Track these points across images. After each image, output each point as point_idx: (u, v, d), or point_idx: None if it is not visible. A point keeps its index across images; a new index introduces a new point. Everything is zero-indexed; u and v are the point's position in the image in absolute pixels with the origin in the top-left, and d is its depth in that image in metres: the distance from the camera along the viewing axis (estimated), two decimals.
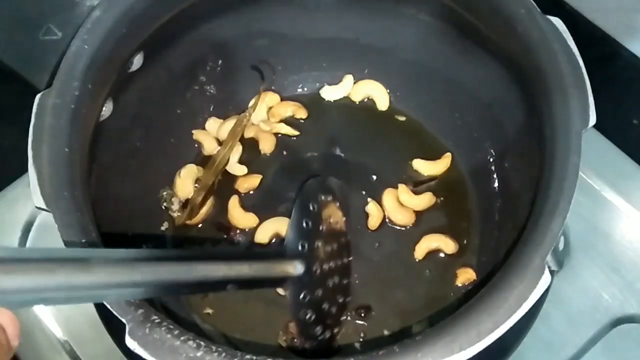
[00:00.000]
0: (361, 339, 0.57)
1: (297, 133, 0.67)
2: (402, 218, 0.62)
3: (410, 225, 0.62)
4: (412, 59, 0.65)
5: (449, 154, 0.65)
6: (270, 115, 0.68)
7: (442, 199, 0.64)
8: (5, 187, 0.69)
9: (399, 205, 0.63)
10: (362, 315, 0.57)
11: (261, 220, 0.62)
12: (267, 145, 0.67)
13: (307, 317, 0.52)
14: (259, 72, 0.66)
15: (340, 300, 0.55)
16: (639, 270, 0.63)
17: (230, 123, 0.66)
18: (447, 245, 0.60)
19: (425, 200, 0.63)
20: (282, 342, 0.56)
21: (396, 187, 0.63)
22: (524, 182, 0.51)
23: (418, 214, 0.63)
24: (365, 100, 0.70)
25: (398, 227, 0.62)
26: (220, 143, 0.66)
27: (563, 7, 0.67)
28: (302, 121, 0.68)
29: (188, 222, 0.62)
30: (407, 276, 0.60)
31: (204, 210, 0.63)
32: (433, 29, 0.60)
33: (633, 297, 0.62)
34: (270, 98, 0.69)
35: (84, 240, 0.41)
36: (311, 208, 0.55)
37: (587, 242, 0.65)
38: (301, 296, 0.51)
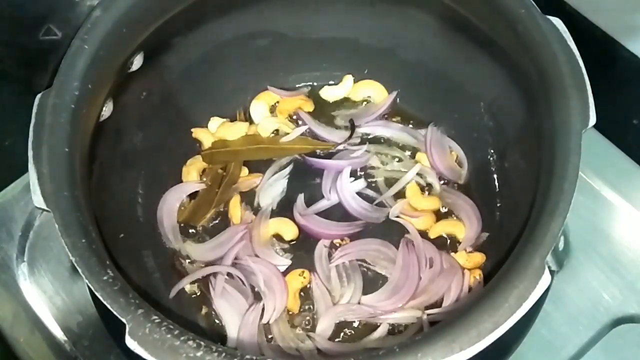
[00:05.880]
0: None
1: (293, 126, 0.67)
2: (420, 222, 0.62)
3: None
4: (412, 59, 0.65)
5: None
6: (278, 112, 0.68)
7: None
8: (5, 187, 0.69)
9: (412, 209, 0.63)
10: None
11: None
12: None
13: None
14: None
15: None
16: (639, 270, 0.63)
17: (232, 126, 0.66)
18: (461, 232, 0.61)
19: (433, 201, 0.63)
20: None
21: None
22: (524, 182, 0.51)
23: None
24: (365, 100, 0.70)
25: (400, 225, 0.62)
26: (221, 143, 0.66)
27: (563, 7, 0.68)
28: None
29: (192, 223, 0.63)
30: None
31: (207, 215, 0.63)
32: (433, 29, 0.60)
33: (633, 297, 0.62)
34: (270, 97, 0.69)
35: (83, 240, 0.41)
36: None
37: (587, 242, 0.65)
38: None
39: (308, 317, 0.58)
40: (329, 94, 0.70)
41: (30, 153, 0.44)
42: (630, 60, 0.66)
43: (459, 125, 0.66)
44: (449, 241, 0.62)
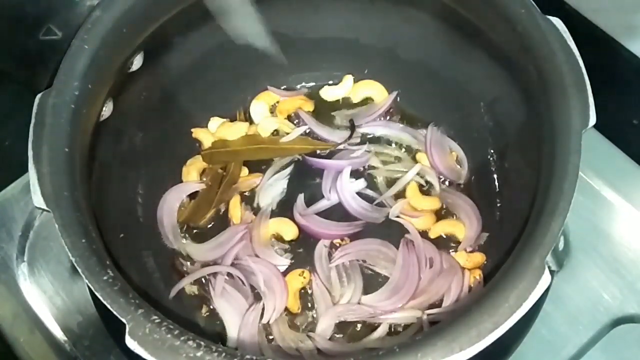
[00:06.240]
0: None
1: (293, 126, 0.67)
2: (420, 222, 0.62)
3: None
4: (412, 59, 0.65)
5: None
6: (278, 112, 0.68)
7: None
8: (5, 187, 0.69)
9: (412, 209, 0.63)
10: None
11: None
12: None
13: None
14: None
15: None
16: (639, 270, 0.63)
17: (232, 126, 0.66)
18: (461, 232, 0.61)
19: (433, 201, 0.63)
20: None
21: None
22: (524, 182, 0.51)
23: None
24: (365, 100, 0.70)
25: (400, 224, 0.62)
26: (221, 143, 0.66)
27: (563, 7, 0.68)
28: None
29: (192, 223, 0.63)
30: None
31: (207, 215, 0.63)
32: (433, 29, 0.60)
33: (633, 297, 0.62)
34: (270, 97, 0.69)
35: (83, 240, 0.41)
36: None
37: (587, 242, 0.65)
38: None
39: (308, 317, 0.59)
40: (329, 94, 0.70)
41: (30, 153, 0.44)
42: (630, 60, 0.66)
43: (459, 125, 0.66)
44: (449, 241, 0.62)
